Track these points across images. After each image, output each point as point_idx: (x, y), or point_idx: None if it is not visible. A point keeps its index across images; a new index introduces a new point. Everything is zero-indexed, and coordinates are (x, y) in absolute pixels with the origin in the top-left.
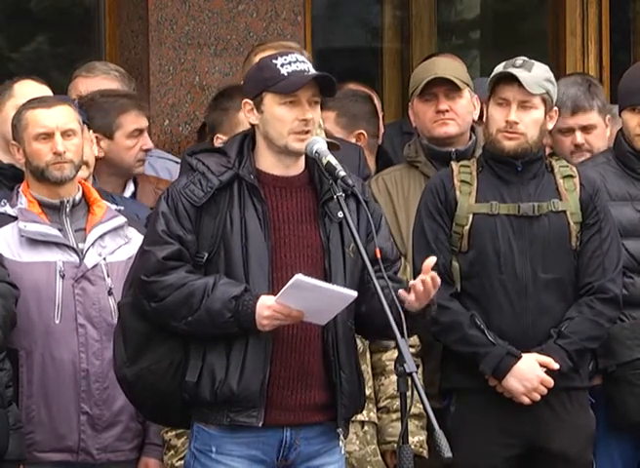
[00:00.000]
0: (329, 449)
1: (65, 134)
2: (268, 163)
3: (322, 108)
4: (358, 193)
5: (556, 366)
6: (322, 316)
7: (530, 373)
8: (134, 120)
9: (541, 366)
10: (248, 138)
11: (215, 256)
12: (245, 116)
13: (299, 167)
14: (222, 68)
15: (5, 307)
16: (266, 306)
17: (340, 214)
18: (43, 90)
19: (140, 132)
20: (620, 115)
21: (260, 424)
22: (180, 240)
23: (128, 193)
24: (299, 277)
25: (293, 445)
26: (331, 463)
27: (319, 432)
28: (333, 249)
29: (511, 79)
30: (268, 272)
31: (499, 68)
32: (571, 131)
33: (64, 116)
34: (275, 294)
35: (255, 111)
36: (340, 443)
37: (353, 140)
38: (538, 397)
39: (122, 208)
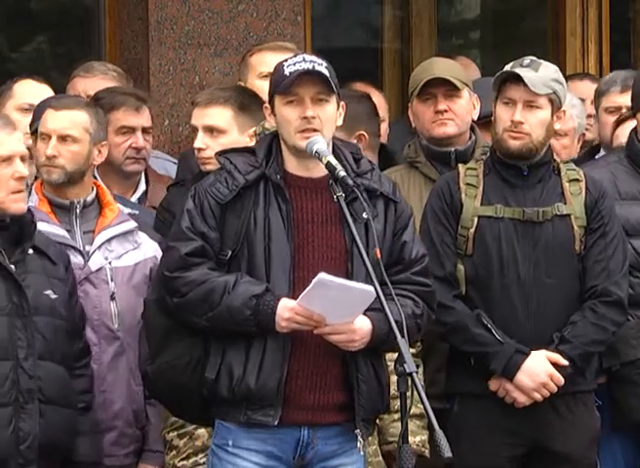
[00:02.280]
0: (347, 450)
1: (62, 138)
2: (292, 164)
3: None
4: (390, 195)
5: (565, 362)
6: (343, 319)
7: (539, 369)
8: (122, 117)
9: (550, 363)
10: (276, 139)
11: (238, 254)
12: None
13: (322, 168)
14: (222, 68)
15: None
16: (288, 308)
17: (365, 216)
18: (43, 89)
19: (131, 129)
20: (634, 116)
21: (276, 423)
22: (203, 237)
23: (139, 192)
24: (322, 275)
25: (310, 444)
26: (349, 464)
27: (337, 432)
28: (356, 250)
29: (517, 79)
30: (290, 272)
31: (506, 68)
32: (618, 110)
33: (67, 121)
34: (295, 294)
35: (272, 114)
36: (359, 444)
37: (354, 142)
38: (547, 393)
39: (137, 212)
